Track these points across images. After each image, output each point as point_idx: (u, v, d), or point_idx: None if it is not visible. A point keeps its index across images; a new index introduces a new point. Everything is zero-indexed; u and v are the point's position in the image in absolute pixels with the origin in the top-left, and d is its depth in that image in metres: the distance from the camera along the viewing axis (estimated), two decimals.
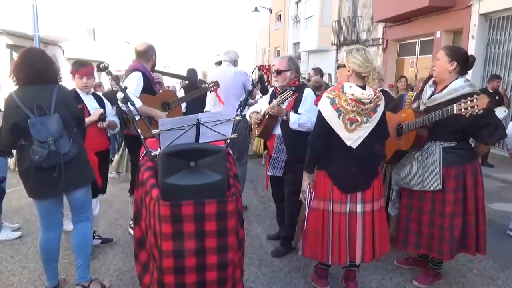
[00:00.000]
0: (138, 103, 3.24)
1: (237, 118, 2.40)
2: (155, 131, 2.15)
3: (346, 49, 2.69)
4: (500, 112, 5.95)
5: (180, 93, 5.91)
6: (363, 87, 2.47)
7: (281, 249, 3.48)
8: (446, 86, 2.70)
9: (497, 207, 4.94)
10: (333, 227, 2.57)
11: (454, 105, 2.45)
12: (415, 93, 3.16)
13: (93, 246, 3.27)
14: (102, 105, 3.41)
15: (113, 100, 3.47)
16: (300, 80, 3.60)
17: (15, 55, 2.95)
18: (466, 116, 2.39)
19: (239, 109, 2.61)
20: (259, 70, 3.39)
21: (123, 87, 2.63)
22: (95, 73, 3.74)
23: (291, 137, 3.19)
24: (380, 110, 2.54)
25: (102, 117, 3.28)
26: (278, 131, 3.27)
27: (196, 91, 3.91)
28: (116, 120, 3.48)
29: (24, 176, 2.51)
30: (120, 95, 2.67)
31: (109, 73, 2.66)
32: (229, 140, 2.45)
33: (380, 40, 13.52)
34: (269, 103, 3.28)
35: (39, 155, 2.36)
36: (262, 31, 29.68)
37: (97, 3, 19.10)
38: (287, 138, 3.22)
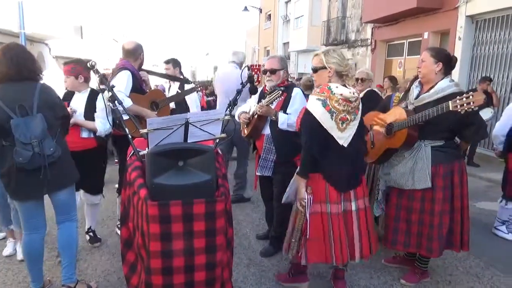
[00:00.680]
0: (129, 102, 3.23)
1: (226, 117, 2.38)
2: (143, 131, 2.13)
3: (320, 52, 2.63)
4: (487, 113, 6.05)
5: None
6: (347, 86, 2.54)
7: (270, 248, 3.48)
8: (432, 86, 2.75)
9: (482, 206, 5.01)
10: (333, 228, 2.56)
11: (450, 102, 2.48)
12: (402, 93, 3.19)
13: (79, 246, 3.24)
14: (91, 104, 3.32)
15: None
16: (289, 80, 3.60)
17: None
18: (462, 112, 2.42)
19: (228, 109, 2.59)
20: (248, 69, 3.38)
21: (110, 85, 2.60)
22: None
23: (280, 137, 3.19)
24: (360, 106, 2.62)
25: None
26: (267, 131, 3.26)
27: (184, 91, 3.90)
28: (100, 122, 3.29)
29: (5, 177, 2.45)
30: (107, 94, 2.63)
31: (96, 72, 2.63)
32: (218, 139, 2.44)
33: (369, 41, 13.62)
34: (258, 103, 3.27)
35: (23, 157, 2.30)
36: (252, 31, 29.68)
37: (85, 1, 18.86)
38: (276, 138, 3.22)
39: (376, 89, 4.14)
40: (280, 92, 3.06)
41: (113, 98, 2.53)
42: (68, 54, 15.29)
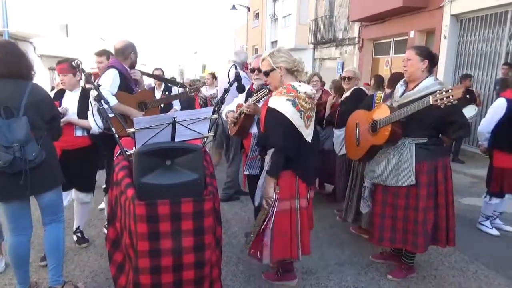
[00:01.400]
0: (114, 101, 3.20)
1: (213, 116, 2.38)
2: (130, 130, 2.12)
3: (266, 55, 2.65)
4: (470, 110, 6.11)
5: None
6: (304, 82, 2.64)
7: None
8: (417, 84, 2.80)
9: (467, 202, 5.11)
10: (301, 222, 2.65)
11: (430, 96, 2.54)
12: (384, 92, 3.24)
13: (67, 247, 3.21)
14: (84, 103, 3.28)
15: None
16: None
17: None
18: (442, 106, 2.47)
19: (215, 108, 2.59)
20: (236, 68, 3.38)
21: (96, 84, 2.58)
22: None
23: None
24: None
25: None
26: (254, 129, 3.27)
27: (174, 94, 3.88)
28: (94, 120, 3.30)
29: None
30: (93, 93, 2.61)
31: (82, 71, 2.60)
32: (206, 138, 2.44)
33: (356, 39, 13.73)
34: (245, 102, 3.28)
35: (4, 161, 2.26)
36: (240, 29, 29.62)
37: None
38: None
39: (363, 87, 4.18)
40: (267, 90, 3.07)
41: (99, 97, 2.51)
42: (53, 53, 15.07)
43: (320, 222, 4.17)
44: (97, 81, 3.27)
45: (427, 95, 2.64)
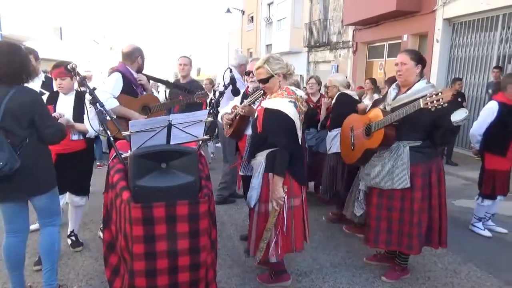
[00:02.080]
0: (115, 103, 3.26)
1: (209, 119, 2.40)
2: (126, 133, 2.13)
3: (261, 63, 2.68)
4: (461, 113, 6.08)
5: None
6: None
7: None
8: (410, 88, 2.83)
9: (460, 204, 5.15)
10: (295, 219, 2.75)
11: (420, 99, 2.57)
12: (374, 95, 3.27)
13: (61, 251, 3.19)
14: (81, 105, 3.28)
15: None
16: None
17: None
18: (432, 109, 2.50)
19: (210, 111, 2.61)
20: (231, 71, 3.40)
21: (91, 88, 2.58)
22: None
23: None
24: None
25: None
26: (249, 131, 3.29)
27: (177, 99, 3.86)
28: (92, 123, 3.30)
29: None
30: (88, 96, 2.61)
31: (77, 74, 2.60)
32: (201, 141, 2.45)
33: (350, 43, 13.83)
34: (241, 104, 3.30)
35: None
36: (235, 32, 29.68)
37: (64, 2, 18.54)
38: None
39: (348, 91, 4.21)
40: (262, 92, 3.10)
41: (94, 101, 2.51)
42: (47, 56, 14.97)
43: (314, 224, 4.19)
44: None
45: (419, 98, 2.68)
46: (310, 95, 5.00)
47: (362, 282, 3.09)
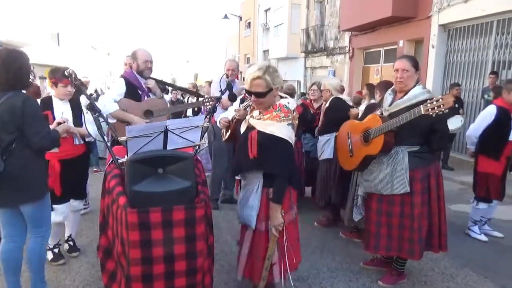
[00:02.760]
0: (113, 108, 3.35)
1: (205, 124, 2.41)
2: (122, 138, 2.14)
3: (260, 74, 2.30)
4: (456, 121, 6.02)
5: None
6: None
7: None
8: (406, 93, 2.85)
9: (456, 208, 5.18)
10: (297, 228, 2.67)
11: (421, 106, 2.57)
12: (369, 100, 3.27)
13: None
14: (78, 111, 3.28)
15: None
16: None
17: None
18: (433, 116, 2.51)
19: (207, 116, 2.62)
20: (227, 77, 3.42)
21: (88, 94, 2.59)
22: None
23: None
24: None
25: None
26: None
27: (184, 104, 3.87)
28: (91, 127, 3.31)
29: None
30: (85, 101, 2.62)
31: (74, 80, 2.61)
32: (197, 146, 2.46)
33: (347, 48, 13.91)
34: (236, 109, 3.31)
35: None
36: (232, 38, 29.83)
37: (62, 8, 18.59)
38: None
39: (342, 96, 4.24)
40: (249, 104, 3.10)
41: (91, 106, 2.52)
42: (44, 61, 14.99)
43: (311, 229, 4.20)
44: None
45: (417, 104, 2.68)
46: (312, 101, 5.03)
47: (359, 287, 3.09)
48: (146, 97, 3.61)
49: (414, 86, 2.85)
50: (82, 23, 23.01)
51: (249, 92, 2.39)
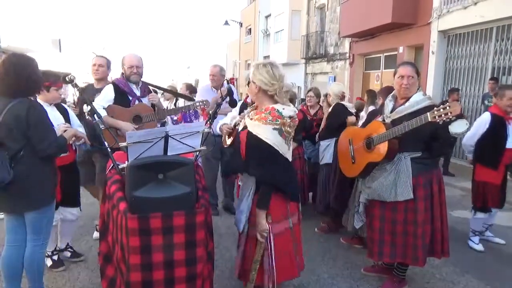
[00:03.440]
0: (101, 114, 3.25)
1: (206, 130, 2.41)
2: (123, 144, 2.14)
3: (254, 64, 2.42)
4: (462, 125, 5.94)
5: None
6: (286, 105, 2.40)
7: None
8: (407, 100, 2.85)
9: (457, 214, 5.16)
10: (296, 238, 2.58)
11: (428, 113, 2.55)
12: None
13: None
14: (66, 116, 3.29)
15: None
16: None
17: None
18: (440, 123, 2.50)
19: (208, 122, 2.62)
20: (228, 83, 3.44)
21: (89, 99, 2.60)
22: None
23: None
24: None
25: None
26: None
27: (178, 107, 3.85)
28: (82, 131, 3.33)
29: None
30: (86, 107, 2.63)
31: (75, 86, 2.62)
32: (198, 152, 2.46)
33: (347, 55, 13.96)
34: (239, 115, 3.31)
35: None
36: (232, 44, 29.95)
37: (64, 14, 18.71)
38: None
39: (344, 102, 4.25)
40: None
41: (92, 112, 2.53)
42: (46, 67, 15.05)
43: (312, 236, 4.18)
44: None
45: (419, 110, 2.68)
46: (308, 107, 5.04)
47: None
48: (137, 102, 3.60)
49: (415, 92, 2.86)
50: (84, 29, 23.16)
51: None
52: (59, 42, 18.81)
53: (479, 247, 4.01)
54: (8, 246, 2.58)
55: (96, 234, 3.91)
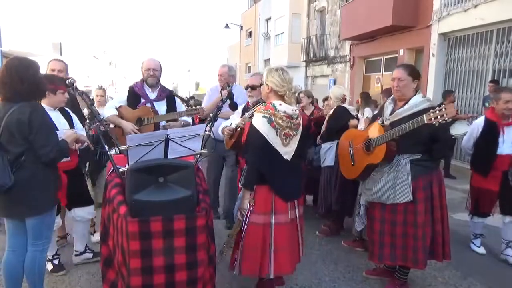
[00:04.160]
0: (110, 113, 3.52)
1: (206, 133, 2.41)
2: (123, 147, 2.14)
3: (267, 68, 2.76)
4: (462, 127, 5.87)
5: None
6: (289, 104, 2.65)
7: None
8: (406, 102, 2.85)
9: (459, 217, 5.13)
10: (275, 238, 2.61)
11: (424, 115, 2.57)
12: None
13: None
14: (70, 120, 3.28)
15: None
16: None
17: None
18: (436, 125, 2.51)
19: (208, 125, 2.62)
20: (228, 86, 3.43)
21: (89, 103, 2.60)
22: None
23: None
24: (301, 122, 2.74)
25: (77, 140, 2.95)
26: None
27: (173, 113, 3.78)
28: (84, 133, 3.32)
29: None
30: (86, 111, 2.63)
31: (76, 89, 2.62)
32: (198, 155, 2.46)
33: (348, 57, 13.97)
34: (242, 117, 3.32)
35: None
36: (233, 47, 30.01)
37: (64, 18, 18.76)
38: None
39: (346, 106, 4.25)
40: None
41: (92, 115, 2.52)
42: (47, 71, 15.10)
43: (313, 238, 4.17)
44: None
45: (418, 112, 2.69)
46: (302, 109, 5.05)
47: None
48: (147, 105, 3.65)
49: (415, 95, 2.86)
50: (85, 33, 23.22)
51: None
52: (60, 46, 18.88)
53: (481, 250, 3.98)
54: (9, 251, 2.58)
55: (93, 238, 3.92)
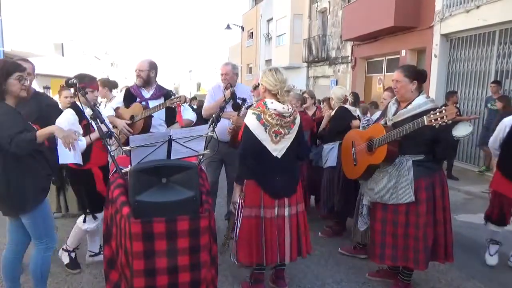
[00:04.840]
0: (108, 113, 3.63)
1: (209, 134, 2.41)
2: (126, 148, 2.13)
3: (263, 69, 2.94)
4: (465, 129, 5.76)
5: None
6: (282, 103, 2.76)
7: None
8: (410, 103, 2.85)
9: (462, 219, 5.11)
10: (265, 231, 2.77)
11: (424, 117, 2.57)
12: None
13: (59, 267, 3.17)
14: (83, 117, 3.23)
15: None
16: None
17: None
18: (436, 126, 2.51)
19: (211, 125, 2.63)
20: (231, 86, 3.43)
21: (92, 104, 2.60)
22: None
23: None
24: (298, 121, 2.85)
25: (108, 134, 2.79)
26: None
27: (158, 105, 3.73)
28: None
29: None
30: (88, 111, 2.62)
31: (78, 90, 2.62)
32: (201, 156, 2.45)
33: (349, 58, 13.95)
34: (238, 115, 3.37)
35: None
36: (234, 48, 30.01)
37: (66, 18, 18.78)
38: None
39: (347, 106, 4.23)
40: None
41: (95, 116, 2.52)
42: (49, 72, 15.12)
43: (316, 239, 4.15)
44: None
45: (420, 113, 2.68)
46: (305, 109, 5.03)
47: None
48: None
49: (418, 95, 2.85)
50: (86, 34, 23.23)
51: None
52: (61, 47, 18.90)
53: (493, 261, 3.63)
54: (7, 246, 2.61)
55: None
